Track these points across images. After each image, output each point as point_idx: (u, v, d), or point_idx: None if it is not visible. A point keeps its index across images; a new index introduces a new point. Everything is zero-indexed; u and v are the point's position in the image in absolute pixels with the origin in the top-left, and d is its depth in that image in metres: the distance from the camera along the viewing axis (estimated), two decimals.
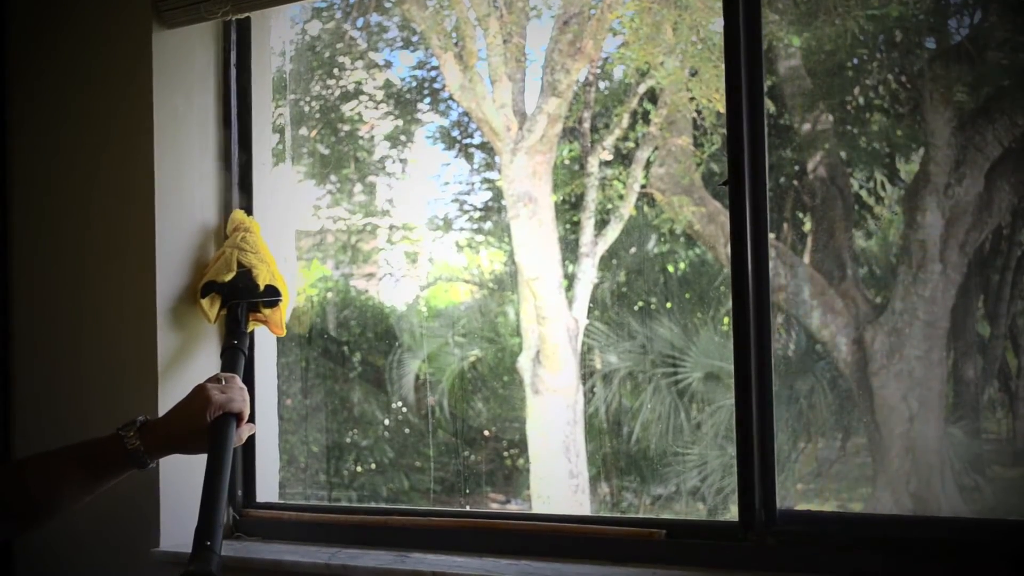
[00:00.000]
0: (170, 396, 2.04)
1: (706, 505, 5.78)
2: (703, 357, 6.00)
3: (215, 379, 1.85)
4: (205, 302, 2.10)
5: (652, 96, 6.13)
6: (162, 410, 2.00)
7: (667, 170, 6.08)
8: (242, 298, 2.10)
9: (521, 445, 6.39)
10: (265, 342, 2.30)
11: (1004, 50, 5.28)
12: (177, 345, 2.15)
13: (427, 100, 7.32)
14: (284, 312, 2.14)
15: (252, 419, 1.91)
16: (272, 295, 2.11)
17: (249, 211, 2.26)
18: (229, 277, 2.09)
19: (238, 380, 1.88)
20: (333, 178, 7.38)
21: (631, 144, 6.27)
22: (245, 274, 2.10)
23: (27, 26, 2.35)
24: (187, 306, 2.15)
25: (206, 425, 1.78)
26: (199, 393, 1.81)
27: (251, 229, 2.17)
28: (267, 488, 2.28)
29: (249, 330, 2.12)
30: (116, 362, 2.18)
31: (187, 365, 2.15)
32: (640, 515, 5.75)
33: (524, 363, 6.11)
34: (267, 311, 2.12)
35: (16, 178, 2.36)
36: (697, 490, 5.80)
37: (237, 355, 2.02)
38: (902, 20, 5.51)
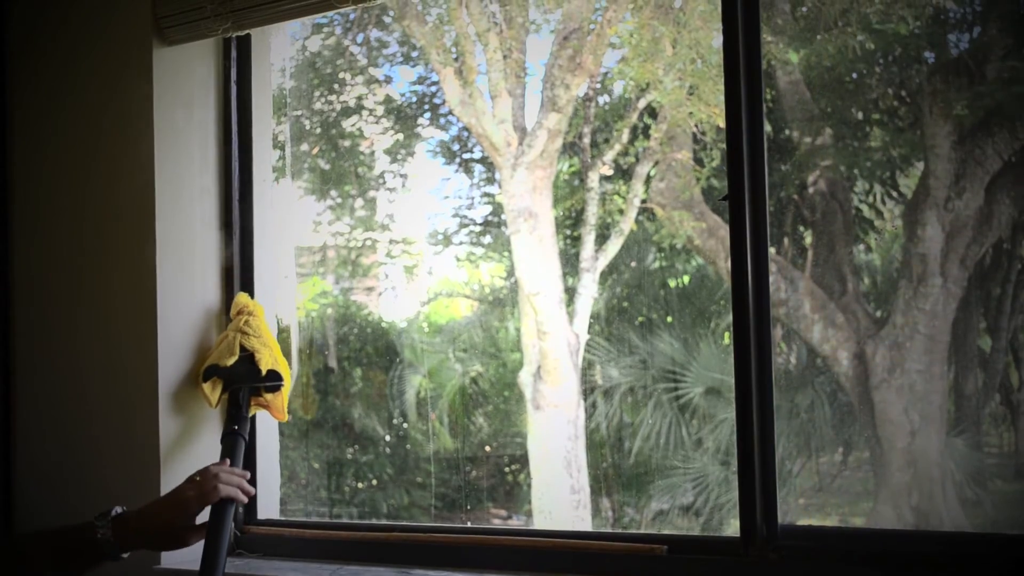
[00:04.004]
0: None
1: (707, 520, 5.77)
2: (704, 372, 6.00)
3: (190, 480, 1.86)
4: (207, 386, 2.09)
5: (652, 111, 6.14)
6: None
7: (667, 184, 6.09)
8: (244, 383, 2.09)
9: (522, 460, 6.39)
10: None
11: (1003, 64, 5.29)
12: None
13: (427, 115, 7.34)
14: (286, 396, 2.14)
15: (253, 481, 1.98)
16: (274, 380, 2.09)
17: (249, 224, 2.26)
18: (231, 361, 2.08)
19: (211, 468, 1.88)
20: (334, 193, 7.39)
21: (631, 159, 6.28)
22: (247, 358, 2.09)
23: (25, 43, 2.35)
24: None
25: (182, 524, 1.82)
26: (175, 496, 1.83)
27: (255, 312, 2.16)
28: (268, 505, 2.27)
29: (250, 415, 2.11)
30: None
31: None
32: (641, 530, 5.75)
33: (525, 378, 6.10)
34: (269, 396, 2.11)
35: (16, 210, 2.35)
36: (698, 505, 5.79)
37: (237, 440, 2.01)
38: (901, 35, 5.53)
